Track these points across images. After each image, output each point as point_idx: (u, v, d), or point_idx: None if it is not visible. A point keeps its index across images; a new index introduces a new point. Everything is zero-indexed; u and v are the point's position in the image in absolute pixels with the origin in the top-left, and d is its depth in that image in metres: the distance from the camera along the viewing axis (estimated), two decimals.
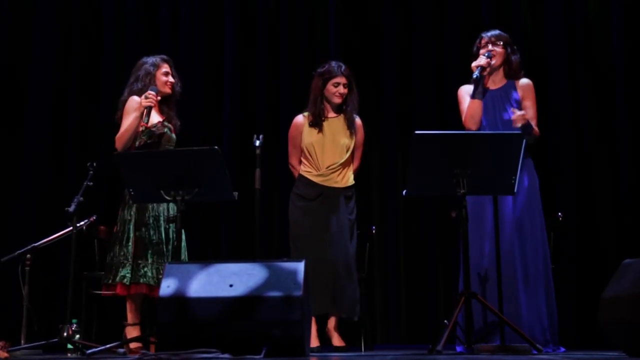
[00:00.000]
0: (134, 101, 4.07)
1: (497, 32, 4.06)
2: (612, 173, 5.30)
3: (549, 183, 5.12)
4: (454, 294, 3.59)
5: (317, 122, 4.36)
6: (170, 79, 4.21)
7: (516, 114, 3.78)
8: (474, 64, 3.91)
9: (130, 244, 3.99)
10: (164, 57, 4.28)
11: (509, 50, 4.02)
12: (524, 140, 3.52)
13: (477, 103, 3.93)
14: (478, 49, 4.02)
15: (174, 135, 4.19)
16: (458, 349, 3.65)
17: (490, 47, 3.98)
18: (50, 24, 5.95)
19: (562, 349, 3.83)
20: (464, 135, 3.54)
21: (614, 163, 5.30)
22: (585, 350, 4.06)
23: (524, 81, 4.03)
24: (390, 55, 5.75)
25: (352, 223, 4.32)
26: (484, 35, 4.06)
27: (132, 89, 4.15)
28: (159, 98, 4.02)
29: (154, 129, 4.08)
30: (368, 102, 5.60)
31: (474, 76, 3.86)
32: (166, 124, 4.17)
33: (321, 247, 4.20)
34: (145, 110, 3.94)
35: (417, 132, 3.38)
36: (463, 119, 3.98)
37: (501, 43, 4.00)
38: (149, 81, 4.12)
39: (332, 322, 4.30)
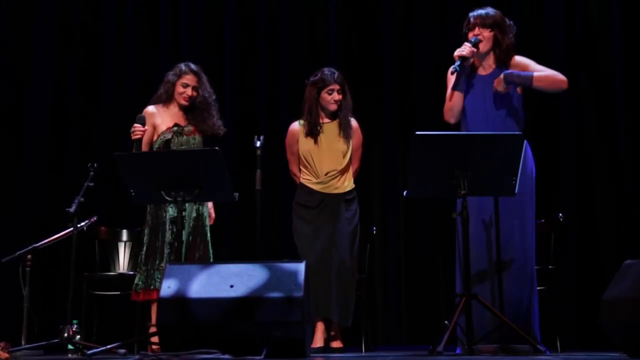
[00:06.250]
0: (147, 113, 4.23)
1: (484, 11, 3.75)
2: (612, 173, 5.30)
3: (549, 183, 5.13)
4: (454, 295, 3.57)
5: (312, 131, 4.36)
6: (188, 91, 4.26)
7: (496, 83, 3.62)
8: (455, 53, 3.63)
9: (144, 249, 4.14)
10: (192, 67, 4.32)
11: (497, 31, 3.71)
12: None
13: (458, 95, 3.72)
14: (467, 32, 3.75)
15: (193, 138, 4.25)
16: (458, 350, 3.64)
17: (477, 30, 3.72)
18: (51, 23, 5.95)
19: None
20: (464, 136, 3.51)
21: (614, 163, 5.29)
22: (586, 352, 4.06)
23: (516, 60, 3.74)
24: (390, 56, 5.74)
25: (354, 227, 4.32)
26: (470, 15, 3.77)
27: (157, 93, 4.33)
28: (146, 128, 4.08)
29: (161, 137, 4.21)
30: (368, 103, 5.61)
31: (453, 69, 3.60)
32: (176, 129, 4.23)
33: (324, 253, 4.22)
34: (135, 144, 4.01)
35: (417, 133, 3.37)
36: (444, 109, 3.79)
37: (487, 25, 3.70)
38: (168, 89, 4.28)
39: (332, 325, 4.31)
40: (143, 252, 4.14)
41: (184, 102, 4.27)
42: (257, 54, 5.87)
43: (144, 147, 4.15)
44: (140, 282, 4.09)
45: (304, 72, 4.60)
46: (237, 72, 5.84)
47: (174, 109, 4.31)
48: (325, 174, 4.33)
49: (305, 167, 4.39)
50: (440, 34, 5.75)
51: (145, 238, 4.16)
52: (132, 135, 4.02)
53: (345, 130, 4.37)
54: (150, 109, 4.29)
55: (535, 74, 3.65)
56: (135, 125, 4.02)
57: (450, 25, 5.66)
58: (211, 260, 4.16)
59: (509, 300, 3.58)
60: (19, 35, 5.96)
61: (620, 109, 5.28)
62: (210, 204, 4.31)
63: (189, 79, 4.27)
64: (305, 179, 4.39)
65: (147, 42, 5.96)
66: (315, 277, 4.06)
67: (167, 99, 4.31)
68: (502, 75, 3.65)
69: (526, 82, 3.64)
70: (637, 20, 5.36)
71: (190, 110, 4.29)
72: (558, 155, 5.34)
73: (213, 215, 4.35)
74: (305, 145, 4.37)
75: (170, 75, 4.31)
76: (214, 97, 4.35)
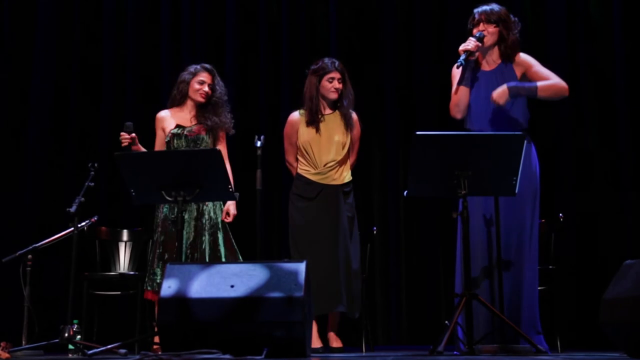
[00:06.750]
0: (157, 119, 4.33)
1: (488, 7, 3.77)
2: (612, 173, 5.30)
3: (550, 183, 5.12)
4: (454, 295, 3.57)
5: (313, 120, 4.34)
6: (205, 88, 4.30)
7: (492, 97, 3.59)
8: (460, 48, 3.65)
9: (150, 249, 4.24)
10: (206, 66, 4.38)
11: (502, 27, 3.74)
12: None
13: (464, 90, 3.73)
14: (472, 27, 3.78)
15: (197, 137, 4.25)
16: (457, 351, 3.63)
17: (481, 26, 3.73)
18: (51, 23, 5.95)
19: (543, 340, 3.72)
20: (464, 136, 3.50)
21: (614, 163, 5.29)
22: (586, 351, 4.06)
23: (521, 57, 3.76)
24: (391, 55, 5.74)
25: (351, 219, 4.31)
26: (475, 11, 3.79)
27: (171, 95, 4.39)
28: (133, 135, 4.04)
29: (166, 139, 4.27)
30: (369, 103, 5.61)
31: (458, 63, 3.63)
32: (177, 131, 4.25)
33: (322, 245, 4.20)
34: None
35: (417, 133, 3.37)
36: (450, 105, 3.79)
37: (492, 20, 3.72)
38: (183, 89, 4.32)
39: (330, 323, 4.30)
40: (150, 255, 4.21)
41: (200, 99, 4.30)
42: (258, 54, 5.87)
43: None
44: (146, 285, 4.17)
45: (305, 71, 4.60)
46: (238, 72, 5.84)
47: (186, 109, 4.34)
48: (324, 165, 4.32)
49: (304, 157, 4.37)
50: (441, 34, 5.75)
51: (151, 241, 4.23)
52: (121, 143, 4.04)
53: (346, 122, 4.36)
54: (161, 114, 4.34)
55: (539, 84, 3.66)
56: (122, 133, 4.03)
57: (451, 24, 5.67)
58: (207, 260, 4.13)
59: (510, 299, 3.58)
60: (20, 35, 5.96)
61: (621, 109, 5.28)
62: (229, 202, 4.27)
63: (204, 76, 4.32)
64: (303, 169, 4.37)
65: (147, 42, 5.97)
66: (314, 270, 4.02)
67: (180, 99, 4.34)
68: (505, 88, 3.61)
69: (531, 93, 3.67)
70: (637, 18, 5.36)
71: (205, 107, 4.31)
72: (558, 154, 5.34)
73: (233, 211, 4.28)
74: (305, 135, 4.35)
75: (185, 75, 4.35)
76: (226, 97, 4.38)
